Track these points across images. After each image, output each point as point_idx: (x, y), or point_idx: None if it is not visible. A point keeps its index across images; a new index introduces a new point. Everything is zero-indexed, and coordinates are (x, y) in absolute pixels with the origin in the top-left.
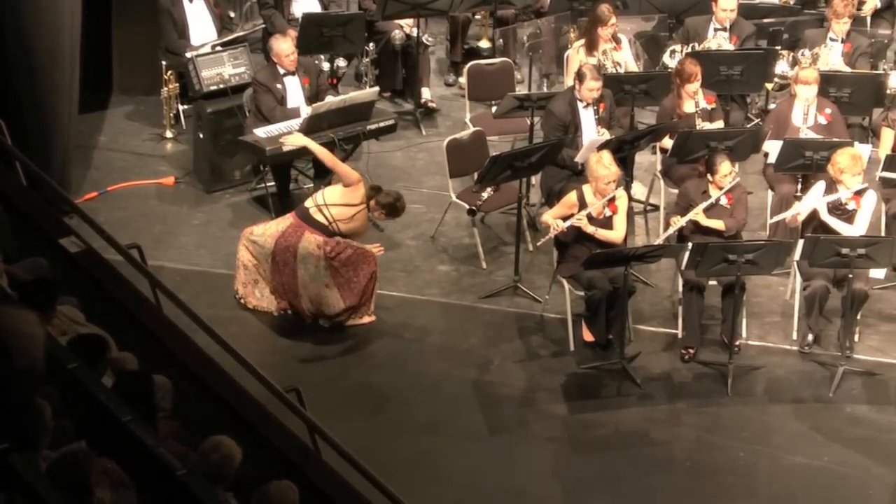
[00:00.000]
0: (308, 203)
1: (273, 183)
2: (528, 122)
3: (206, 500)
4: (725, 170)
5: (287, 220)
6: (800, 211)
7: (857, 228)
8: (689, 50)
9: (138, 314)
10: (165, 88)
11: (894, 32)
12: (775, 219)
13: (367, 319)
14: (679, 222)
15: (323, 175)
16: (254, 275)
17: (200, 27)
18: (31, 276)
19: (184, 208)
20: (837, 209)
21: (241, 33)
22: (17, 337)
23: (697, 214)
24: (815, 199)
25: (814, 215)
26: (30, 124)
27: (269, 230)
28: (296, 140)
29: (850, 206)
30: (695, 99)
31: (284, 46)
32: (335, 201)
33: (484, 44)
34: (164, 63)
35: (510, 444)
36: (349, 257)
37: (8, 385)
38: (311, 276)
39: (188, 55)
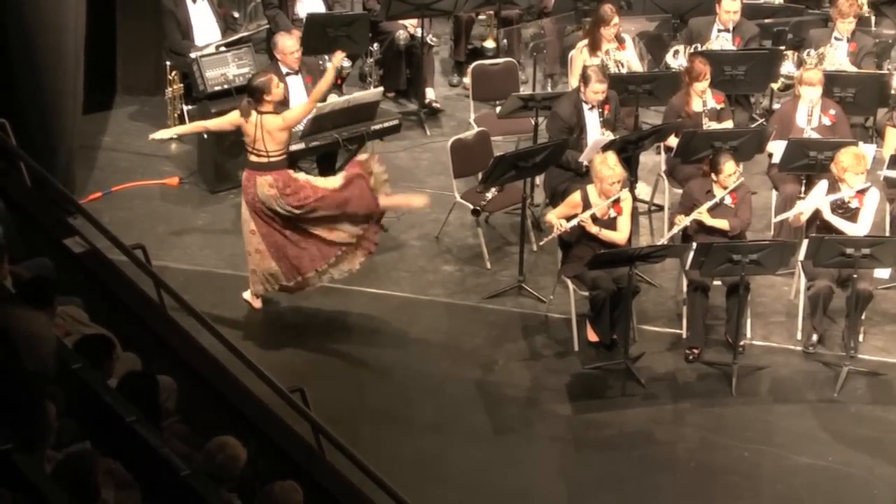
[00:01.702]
0: (248, 155)
1: None
2: (532, 123)
3: (211, 500)
4: (730, 169)
5: (243, 177)
6: (802, 210)
7: (860, 227)
8: (692, 50)
9: (142, 314)
10: (170, 89)
11: None
12: (778, 218)
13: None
14: (683, 221)
15: (328, 173)
16: (257, 260)
17: (204, 28)
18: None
19: (188, 209)
20: (840, 208)
21: (245, 34)
22: (28, 339)
23: (702, 214)
24: (818, 199)
25: (817, 215)
26: (34, 125)
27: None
28: (161, 134)
29: (853, 204)
30: (703, 98)
31: (289, 43)
32: (250, 138)
33: (489, 44)
34: (168, 63)
35: (514, 444)
36: (308, 197)
37: (18, 386)
38: (284, 218)
39: (192, 55)
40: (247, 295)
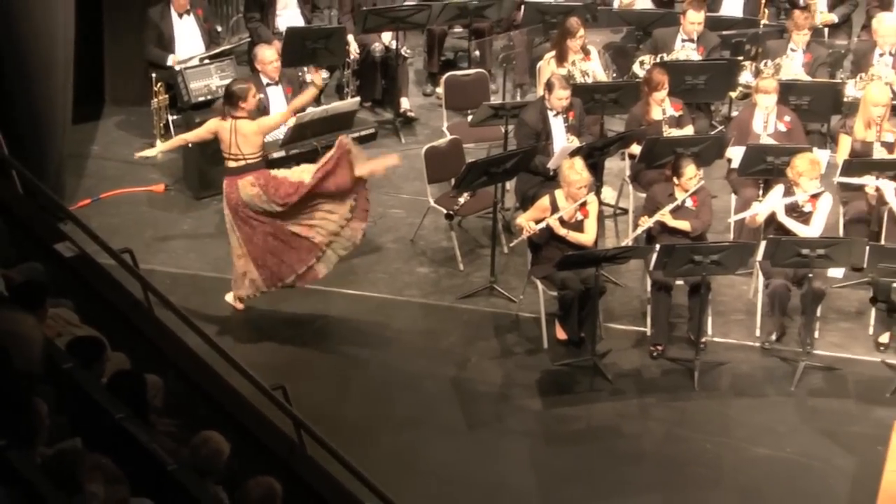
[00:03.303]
0: (226, 162)
1: None
2: (503, 130)
3: (197, 493)
4: (690, 173)
5: (224, 185)
6: (758, 212)
7: (812, 229)
8: (658, 60)
9: (130, 316)
10: (155, 99)
11: (851, 43)
12: (735, 218)
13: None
14: (647, 223)
15: None
16: (240, 266)
17: (190, 41)
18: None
19: (174, 214)
20: (795, 211)
21: (227, 46)
22: (16, 340)
23: (664, 216)
24: (774, 201)
25: (773, 217)
26: (25, 134)
27: (225, 210)
28: (148, 153)
29: (807, 208)
30: (662, 106)
31: (269, 54)
32: (226, 144)
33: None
34: (153, 75)
35: (487, 438)
36: (287, 188)
37: (8, 385)
38: (269, 217)
39: (177, 68)
40: (229, 297)
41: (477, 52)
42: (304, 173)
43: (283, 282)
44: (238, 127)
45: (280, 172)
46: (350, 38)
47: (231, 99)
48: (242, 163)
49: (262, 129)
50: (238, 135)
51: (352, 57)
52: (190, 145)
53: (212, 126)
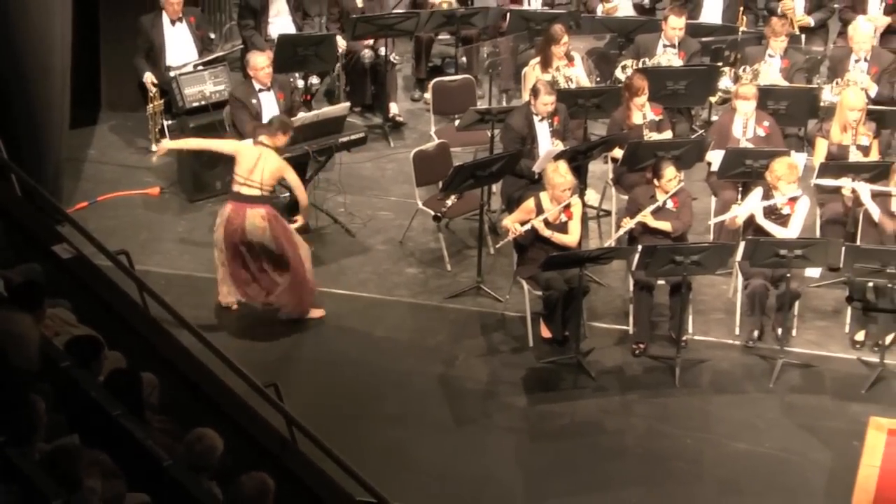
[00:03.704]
0: (236, 186)
1: None
2: (489, 135)
3: (191, 488)
4: (670, 174)
5: (227, 208)
6: (738, 214)
7: (790, 231)
8: (640, 64)
9: (126, 315)
10: (151, 105)
11: (827, 49)
12: (715, 220)
13: (317, 314)
14: (629, 223)
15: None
16: (222, 273)
17: (182, 48)
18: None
19: (168, 216)
20: (773, 213)
21: (220, 53)
22: (13, 339)
23: (646, 216)
24: (752, 204)
25: (752, 219)
26: (24, 138)
27: (221, 222)
28: (166, 143)
29: (785, 210)
30: (642, 111)
31: (260, 60)
32: (245, 168)
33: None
34: (149, 80)
35: (474, 433)
36: (287, 232)
37: (5, 384)
38: (257, 244)
39: (172, 74)
40: (220, 297)
41: (464, 59)
42: (304, 247)
43: (249, 300)
44: (266, 156)
45: (285, 222)
46: (339, 38)
47: (271, 128)
48: (257, 192)
49: (283, 171)
50: (264, 163)
51: (339, 51)
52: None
53: (236, 146)
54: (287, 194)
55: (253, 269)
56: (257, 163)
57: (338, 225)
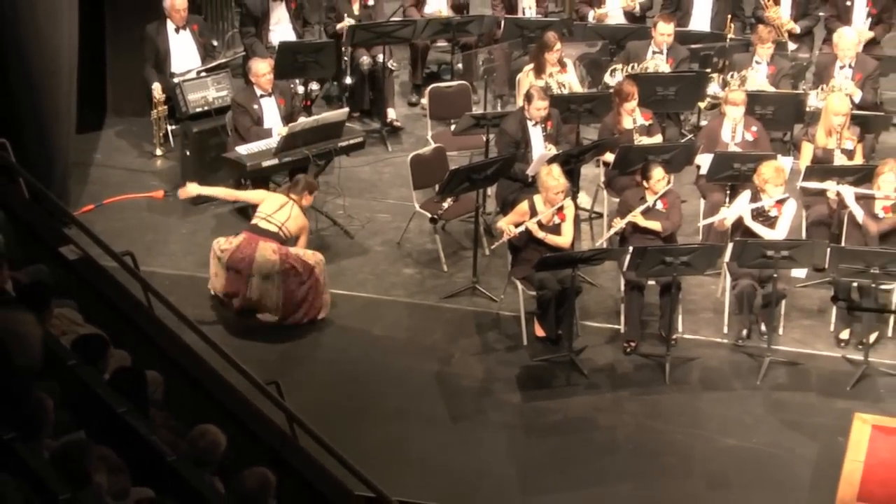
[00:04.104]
0: (255, 220)
1: None
2: (484, 139)
3: (195, 483)
4: (658, 175)
5: (240, 238)
6: (726, 216)
7: (777, 233)
8: (630, 69)
9: (132, 315)
10: (155, 110)
11: (812, 56)
12: (704, 222)
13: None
14: (619, 223)
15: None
16: (214, 267)
17: (186, 55)
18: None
19: (172, 219)
20: (761, 215)
21: (223, 60)
22: (17, 338)
23: (636, 216)
24: (741, 206)
25: (740, 222)
26: (32, 143)
27: (230, 247)
28: (189, 191)
29: (773, 213)
30: (633, 116)
31: (262, 67)
32: (271, 209)
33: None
34: (153, 86)
35: (470, 429)
36: (296, 267)
37: (9, 381)
38: (268, 285)
39: (175, 80)
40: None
41: (460, 65)
42: (318, 261)
43: (233, 306)
44: (294, 213)
45: (296, 250)
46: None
47: (297, 188)
48: (276, 231)
49: (304, 229)
50: (290, 211)
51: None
52: (188, 153)
53: (265, 195)
54: None
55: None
56: (282, 207)
57: (337, 227)
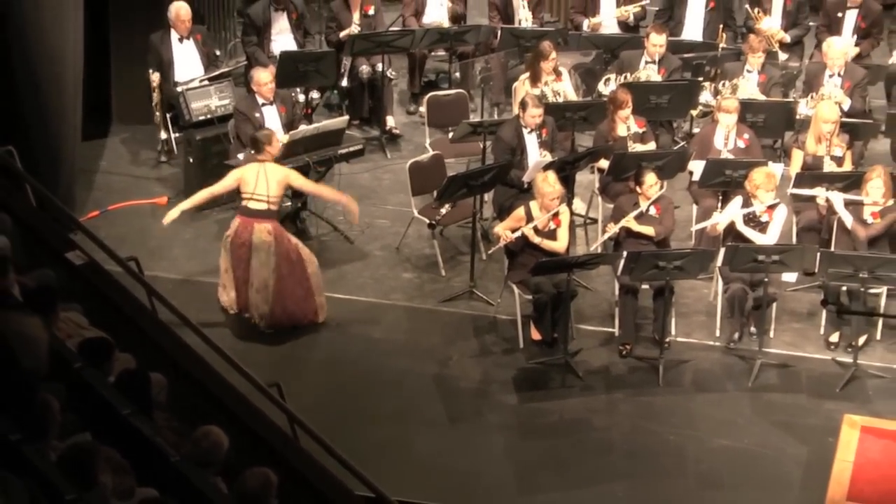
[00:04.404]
0: (244, 202)
1: None
2: (481, 146)
3: (198, 483)
4: (650, 181)
5: (235, 223)
6: (719, 221)
7: (768, 238)
8: (623, 79)
9: (136, 318)
10: (157, 113)
11: (802, 65)
12: (697, 227)
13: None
14: (614, 228)
15: (299, 195)
16: (225, 279)
17: (189, 64)
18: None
19: (176, 225)
20: (752, 221)
21: (225, 69)
22: (24, 341)
23: (629, 221)
24: (733, 212)
25: (732, 227)
26: (38, 151)
27: (231, 232)
28: (172, 215)
29: (764, 218)
30: (626, 123)
31: (264, 76)
32: (250, 185)
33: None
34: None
35: (467, 430)
36: (289, 251)
37: (16, 384)
38: (261, 263)
39: (179, 89)
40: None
41: (457, 74)
42: (313, 260)
43: (243, 313)
44: (268, 170)
45: (293, 238)
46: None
47: (257, 144)
48: (265, 206)
49: (288, 178)
50: (267, 177)
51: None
52: (191, 160)
53: (237, 174)
54: (289, 203)
55: (251, 285)
56: (259, 178)
57: (337, 232)
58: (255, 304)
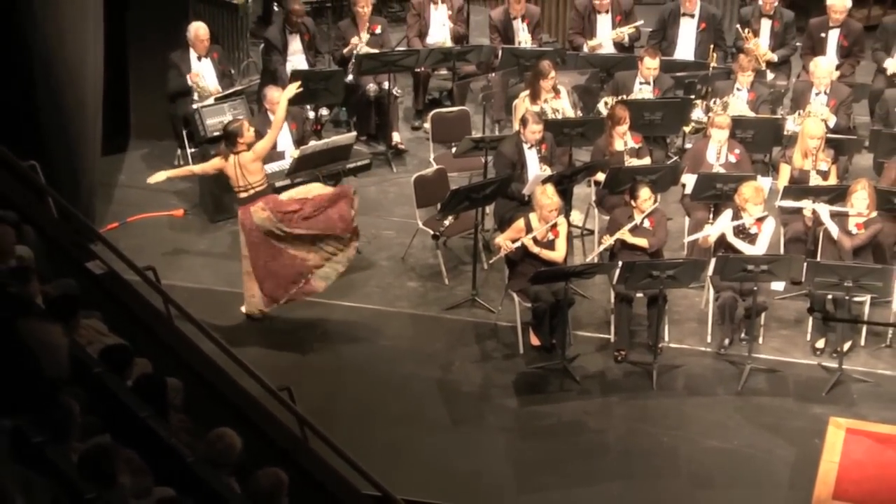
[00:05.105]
0: (238, 197)
1: None
2: (483, 161)
3: (212, 482)
4: (645, 195)
5: (238, 215)
6: (710, 233)
7: (757, 249)
8: (619, 99)
9: (153, 326)
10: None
11: (789, 83)
12: (689, 238)
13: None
14: (609, 240)
15: None
16: (248, 284)
17: (207, 81)
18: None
19: (191, 236)
20: (742, 232)
21: (239, 87)
22: (44, 347)
23: (623, 233)
24: (723, 224)
25: (723, 238)
26: (60, 165)
27: (241, 229)
28: (157, 177)
29: (753, 230)
30: (623, 139)
31: (276, 95)
32: (234, 179)
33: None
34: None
35: (469, 433)
36: (289, 207)
37: (38, 388)
38: (272, 226)
39: (194, 106)
40: (243, 309)
41: (455, 91)
42: (308, 192)
43: (277, 302)
44: (240, 160)
45: (285, 194)
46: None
47: (230, 138)
48: (252, 192)
49: (257, 154)
50: (242, 167)
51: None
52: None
53: (216, 164)
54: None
55: (275, 269)
56: (237, 170)
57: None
58: (301, 258)
